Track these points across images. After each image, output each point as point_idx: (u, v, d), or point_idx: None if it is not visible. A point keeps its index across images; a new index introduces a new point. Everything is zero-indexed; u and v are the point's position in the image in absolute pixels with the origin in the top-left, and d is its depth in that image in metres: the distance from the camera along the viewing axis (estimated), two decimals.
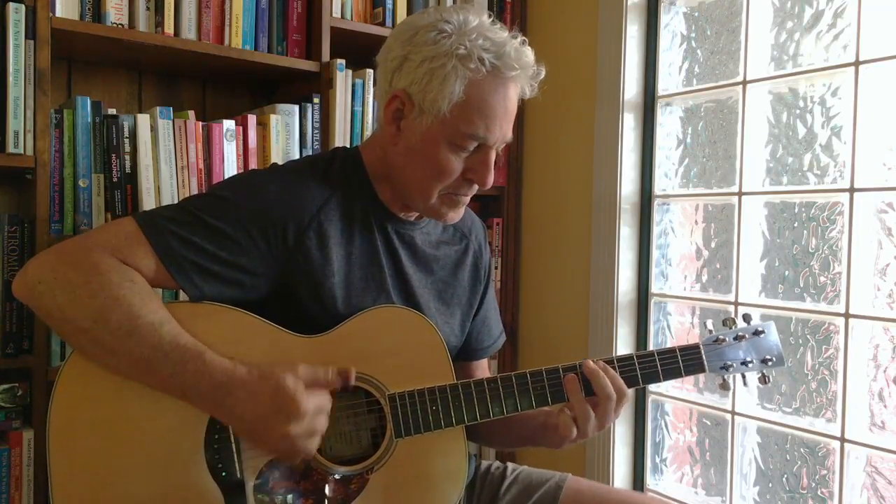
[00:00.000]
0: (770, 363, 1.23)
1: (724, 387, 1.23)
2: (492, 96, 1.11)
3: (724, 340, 1.21)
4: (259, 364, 1.02)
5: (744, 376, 1.24)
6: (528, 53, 1.14)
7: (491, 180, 1.16)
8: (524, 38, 1.15)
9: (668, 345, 1.99)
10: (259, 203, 1.11)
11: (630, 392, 1.16)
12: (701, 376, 1.90)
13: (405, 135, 1.15)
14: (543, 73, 1.17)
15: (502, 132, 1.15)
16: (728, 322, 1.23)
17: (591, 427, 1.13)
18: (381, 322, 1.14)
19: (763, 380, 1.23)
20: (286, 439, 0.99)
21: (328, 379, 1.05)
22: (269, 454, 1.04)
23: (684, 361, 1.19)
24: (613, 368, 1.15)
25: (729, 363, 1.21)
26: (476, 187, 1.19)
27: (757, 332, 1.23)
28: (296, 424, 0.98)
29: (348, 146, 1.80)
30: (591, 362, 1.14)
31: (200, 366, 1.00)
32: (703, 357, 1.20)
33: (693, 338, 1.93)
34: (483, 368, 1.41)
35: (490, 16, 1.16)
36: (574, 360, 1.16)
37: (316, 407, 1.01)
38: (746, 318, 1.24)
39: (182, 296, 1.12)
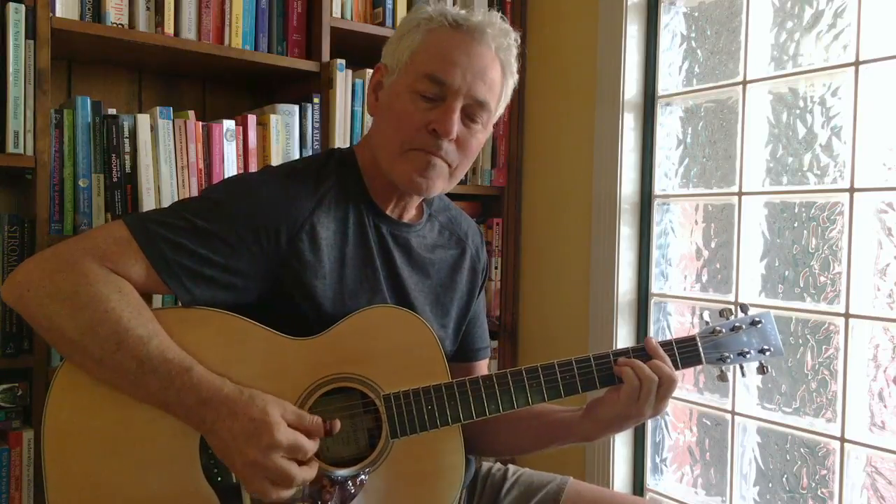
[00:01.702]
0: (768, 353, 1.21)
1: (722, 378, 1.22)
2: (451, 42, 1.15)
3: (720, 332, 1.20)
4: (252, 388, 1.01)
5: (741, 367, 1.23)
6: (497, 17, 1.19)
7: (452, 129, 1.13)
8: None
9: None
10: (251, 206, 1.10)
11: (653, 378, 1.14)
12: (701, 371, 1.90)
13: (381, 100, 1.20)
14: (517, 37, 1.20)
15: (466, 83, 1.13)
16: (725, 313, 1.22)
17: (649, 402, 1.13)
18: (375, 322, 1.13)
19: (761, 370, 1.22)
20: (252, 466, 0.96)
21: (312, 425, 1.02)
22: (238, 478, 1.01)
23: (681, 353, 1.18)
24: (612, 362, 1.15)
25: (726, 354, 1.20)
26: (445, 147, 1.15)
27: (754, 323, 1.21)
28: (264, 454, 0.96)
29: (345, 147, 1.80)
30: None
31: (187, 381, 0.99)
32: (700, 349, 1.19)
33: None
34: (484, 370, 1.41)
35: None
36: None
37: (290, 442, 0.98)
38: (744, 308, 1.23)
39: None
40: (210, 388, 0.99)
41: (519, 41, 1.21)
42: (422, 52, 1.15)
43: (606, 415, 1.16)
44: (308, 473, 1.00)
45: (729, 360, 1.20)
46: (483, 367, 1.40)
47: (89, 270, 1.00)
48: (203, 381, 0.99)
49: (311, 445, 1.00)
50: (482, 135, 1.20)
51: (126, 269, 1.03)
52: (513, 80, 1.23)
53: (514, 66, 1.22)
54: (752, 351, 1.21)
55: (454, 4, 2.10)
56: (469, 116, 1.16)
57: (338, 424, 1.05)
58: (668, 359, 1.15)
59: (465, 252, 1.34)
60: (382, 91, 1.21)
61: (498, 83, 1.18)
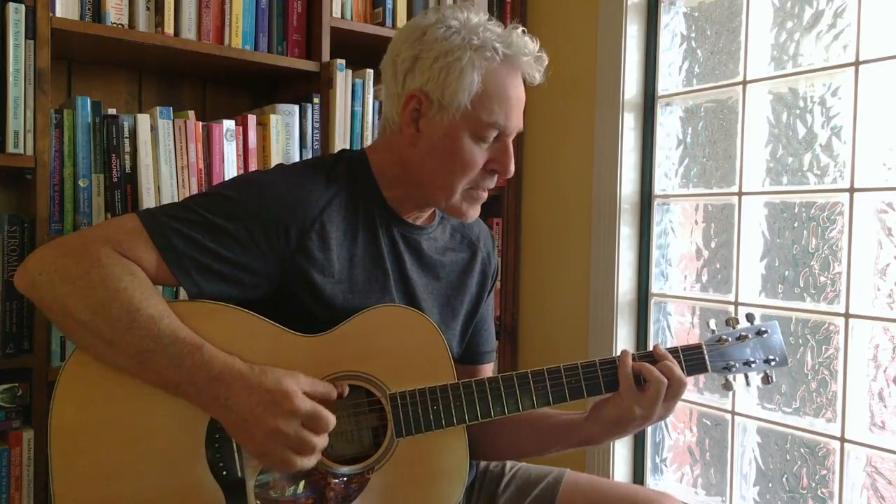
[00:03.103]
0: (773, 363, 1.21)
1: (727, 387, 1.21)
2: (508, 84, 1.15)
3: (726, 340, 1.20)
4: (261, 363, 1.02)
5: (746, 376, 1.22)
6: (531, 40, 1.18)
7: (513, 168, 1.20)
8: (522, 27, 1.19)
9: (669, 345, 2.00)
10: (262, 203, 1.10)
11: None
12: (702, 376, 1.90)
13: (426, 134, 1.16)
14: (547, 59, 1.20)
15: (518, 120, 1.18)
16: (731, 321, 1.22)
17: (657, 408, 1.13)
18: (383, 321, 1.13)
19: (766, 380, 1.21)
20: (273, 434, 0.97)
21: (325, 389, 1.04)
22: (255, 453, 1.01)
23: (686, 361, 1.18)
24: (616, 367, 1.15)
25: (731, 363, 1.20)
26: (496, 179, 1.21)
27: (760, 332, 1.21)
28: (286, 421, 0.97)
29: (351, 147, 1.79)
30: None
31: (198, 358, 0.99)
32: (706, 357, 1.19)
33: (693, 338, 1.93)
34: (488, 374, 1.41)
35: (487, 15, 1.18)
36: (574, 360, 1.15)
37: (309, 410, 0.99)
38: (750, 317, 1.23)
39: (182, 294, 1.12)
40: (222, 365, 1.00)
41: (546, 62, 1.21)
42: (485, 100, 1.13)
43: (611, 415, 1.15)
44: (325, 442, 1.01)
45: (734, 370, 1.20)
46: (487, 370, 1.40)
47: (101, 254, 1.01)
48: (215, 358, 1.00)
49: (330, 417, 1.01)
50: None
51: (137, 258, 1.03)
52: None
53: None
54: (757, 361, 1.21)
55: (454, 1, 2.09)
56: None
57: (346, 388, 1.07)
58: (675, 363, 1.15)
59: (476, 255, 1.34)
60: (426, 124, 1.15)
61: None
